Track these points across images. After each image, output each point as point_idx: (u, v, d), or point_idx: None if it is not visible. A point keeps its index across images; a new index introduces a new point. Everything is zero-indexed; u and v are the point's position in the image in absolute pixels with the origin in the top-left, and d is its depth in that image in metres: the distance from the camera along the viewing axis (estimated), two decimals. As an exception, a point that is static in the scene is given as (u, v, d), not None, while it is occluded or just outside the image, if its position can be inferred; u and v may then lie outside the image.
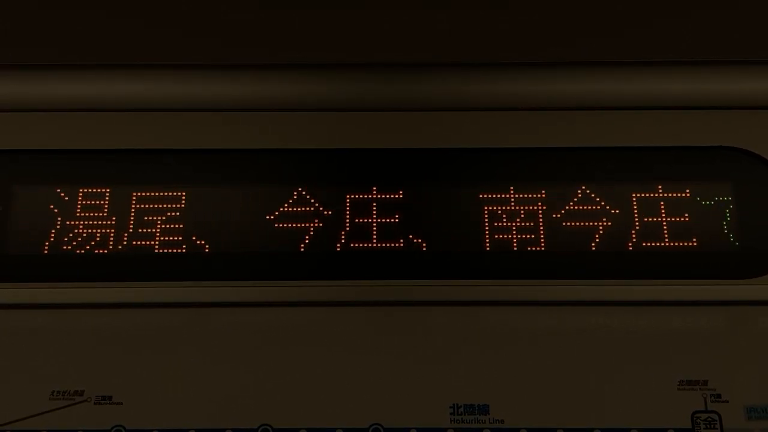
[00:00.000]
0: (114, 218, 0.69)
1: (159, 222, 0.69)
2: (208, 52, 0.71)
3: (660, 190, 0.70)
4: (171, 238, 0.68)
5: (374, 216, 0.69)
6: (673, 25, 0.67)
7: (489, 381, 0.64)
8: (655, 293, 0.66)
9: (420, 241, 0.68)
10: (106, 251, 0.68)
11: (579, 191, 0.70)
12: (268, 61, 0.73)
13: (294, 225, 0.69)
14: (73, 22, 0.67)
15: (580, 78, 0.73)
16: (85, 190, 0.70)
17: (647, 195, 0.70)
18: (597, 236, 0.69)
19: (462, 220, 0.69)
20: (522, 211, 0.69)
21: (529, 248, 0.68)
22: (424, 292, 0.66)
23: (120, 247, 0.68)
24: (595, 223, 0.69)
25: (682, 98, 0.72)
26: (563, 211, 0.69)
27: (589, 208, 0.69)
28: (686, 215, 0.69)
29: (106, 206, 0.69)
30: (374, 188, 0.70)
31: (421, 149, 0.71)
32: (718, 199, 0.69)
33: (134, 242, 0.68)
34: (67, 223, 0.69)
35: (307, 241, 0.68)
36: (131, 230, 0.69)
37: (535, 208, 0.69)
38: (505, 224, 0.69)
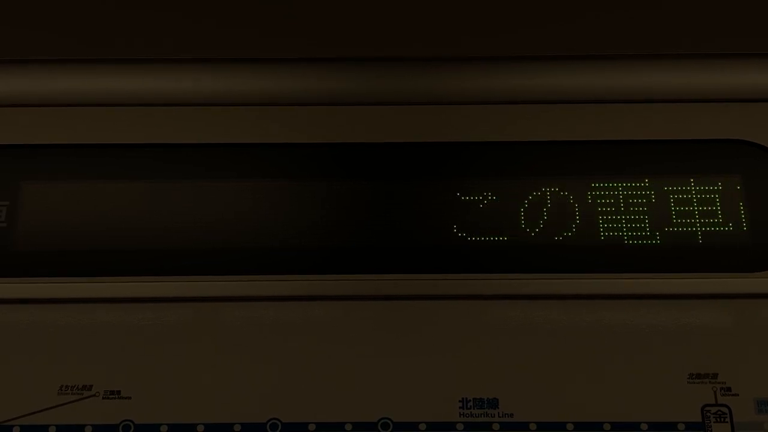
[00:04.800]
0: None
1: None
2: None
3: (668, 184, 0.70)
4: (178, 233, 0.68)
5: None
6: (678, 15, 0.67)
7: (499, 375, 0.63)
8: (666, 286, 0.66)
9: None
10: (115, 246, 0.68)
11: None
12: None
13: None
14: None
15: (586, 71, 0.73)
16: (94, 186, 0.70)
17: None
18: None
19: None
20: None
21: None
22: (432, 286, 0.66)
23: (130, 242, 0.68)
24: None
25: (689, 91, 0.72)
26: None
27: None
28: (694, 208, 0.69)
29: (113, 202, 0.69)
30: None
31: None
32: (727, 191, 0.69)
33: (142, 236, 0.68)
34: (73, 218, 0.69)
35: None
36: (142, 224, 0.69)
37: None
38: None
